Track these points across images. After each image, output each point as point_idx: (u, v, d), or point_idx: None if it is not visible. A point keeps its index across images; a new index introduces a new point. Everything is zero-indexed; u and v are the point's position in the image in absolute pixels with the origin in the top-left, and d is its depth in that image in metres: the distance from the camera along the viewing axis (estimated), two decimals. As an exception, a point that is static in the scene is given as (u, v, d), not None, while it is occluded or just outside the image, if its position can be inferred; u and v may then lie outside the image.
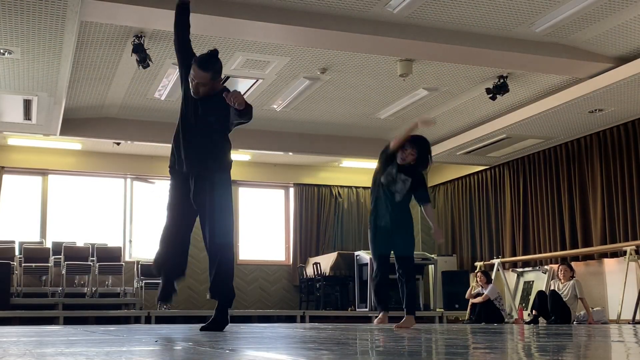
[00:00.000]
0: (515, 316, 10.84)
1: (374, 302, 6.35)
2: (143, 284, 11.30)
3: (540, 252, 11.33)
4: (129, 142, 11.25)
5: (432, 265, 12.59)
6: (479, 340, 3.56)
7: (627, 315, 9.33)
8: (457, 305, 11.92)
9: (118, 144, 11.51)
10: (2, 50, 7.18)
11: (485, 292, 10.27)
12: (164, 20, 6.82)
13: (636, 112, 9.65)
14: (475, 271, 11.21)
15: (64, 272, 10.87)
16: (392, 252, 6.04)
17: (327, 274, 12.32)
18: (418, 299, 11.66)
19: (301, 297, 13.07)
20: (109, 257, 11.43)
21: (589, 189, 10.59)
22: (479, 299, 10.32)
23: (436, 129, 11.30)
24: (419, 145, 5.97)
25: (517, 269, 11.91)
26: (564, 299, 9.32)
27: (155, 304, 11.82)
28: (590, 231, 10.54)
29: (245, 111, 4.54)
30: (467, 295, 10.73)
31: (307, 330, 5.14)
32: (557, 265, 10.25)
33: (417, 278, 12.11)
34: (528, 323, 9.57)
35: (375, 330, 5.27)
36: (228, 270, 4.82)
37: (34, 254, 11.05)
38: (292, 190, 13.88)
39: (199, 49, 8.00)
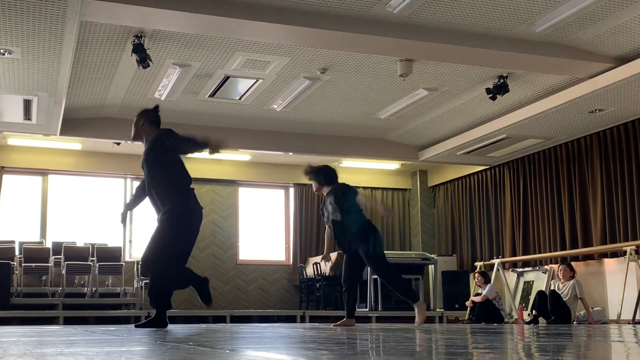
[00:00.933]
0: (515, 316, 10.84)
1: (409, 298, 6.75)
2: (143, 284, 11.29)
3: (540, 252, 11.33)
4: (129, 142, 11.23)
5: (432, 265, 12.59)
6: (479, 340, 3.56)
7: (627, 315, 9.33)
8: (457, 305, 11.93)
9: (118, 144, 11.50)
10: (2, 50, 7.18)
11: (484, 292, 10.28)
12: (164, 20, 6.83)
13: (636, 112, 9.65)
14: (475, 272, 11.22)
15: (64, 272, 10.87)
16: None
17: (327, 274, 12.32)
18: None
19: (301, 297, 13.07)
20: (109, 257, 11.43)
21: (589, 189, 10.59)
22: (477, 298, 10.32)
23: (436, 129, 11.31)
24: (309, 174, 6.67)
25: (517, 269, 11.91)
26: (564, 299, 9.32)
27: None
28: (590, 231, 10.54)
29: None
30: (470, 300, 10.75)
31: (307, 330, 5.14)
32: (557, 265, 10.25)
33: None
34: (528, 323, 9.57)
35: (376, 330, 5.27)
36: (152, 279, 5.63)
37: (34, 254, 11.05)
38: (292, 190, 13.87)
39: (199, 48, 8.03)
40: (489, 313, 10.12)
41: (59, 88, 8.28)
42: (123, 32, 7.46)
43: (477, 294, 10.60)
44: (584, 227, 10.63)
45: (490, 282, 10.53)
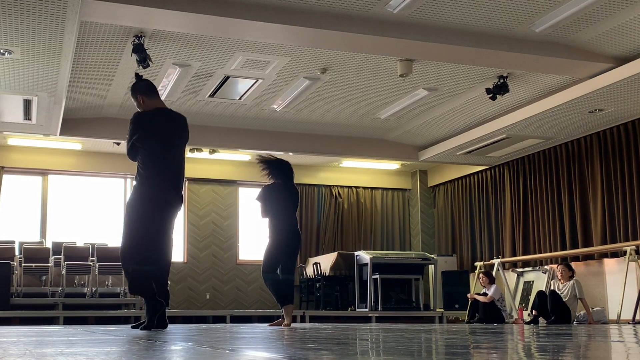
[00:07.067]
0: (515, 316, 10.84)
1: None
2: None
3: (540, 252, 11.33)
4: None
5: (432, 265, 12.59)
6: (478, 340, 3.56)
7: (627, 315, 9.33)
8: (457, 305, 11.93)
9: (118, 144, 11.51)
10: (2, 50, 7.18)
11: (490, 292, 10.26)
12: (164, 20, 6.83)
13: (636, 112, 9.66)
14: (477, 271, 11.21)
15: (64, 272, 10.87)
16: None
17: (327, 274, 12.32)
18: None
19: (301, 297, 13.07)
20: (109, 257, 11.41)
21: (589, 189, 10.59)
22: (482, 298, 10.29)
23: (436, 129, 11.31)
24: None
25: (517, 269, 11.91)
26: (564, 299, 9.32)
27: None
28: (590, 231, 10.54)
29: None
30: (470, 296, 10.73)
31: (307, 330, 5.14)
32: (557, 265, 10.25)
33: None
34: (528, 323, 9.56)
35: (376, 330, 5.27)
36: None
37: (34, 254, 11.05)
38: (292, 190, 13.85)
39: (199, 48, 8.03)
40: (492, 313, 10.12)
41: (59, 88, 8.28)
42: (123, 32, 7.46)
43: (478, 294, 10.58)
44: (584, 227, 10.63)
45: (494, 283, 10.51)
